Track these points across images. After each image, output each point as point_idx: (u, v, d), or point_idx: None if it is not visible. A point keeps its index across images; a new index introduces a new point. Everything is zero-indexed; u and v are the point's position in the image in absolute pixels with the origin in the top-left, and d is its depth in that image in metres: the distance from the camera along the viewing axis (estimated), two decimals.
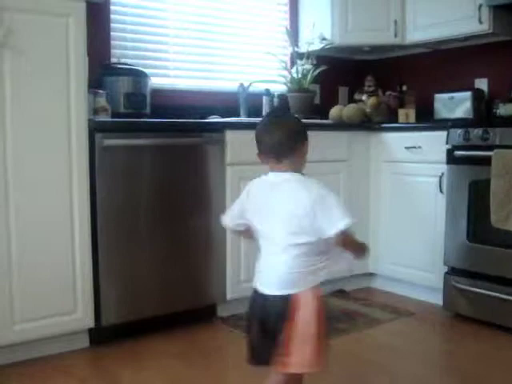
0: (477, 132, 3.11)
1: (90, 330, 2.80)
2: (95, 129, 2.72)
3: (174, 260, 3.01)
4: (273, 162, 1.75)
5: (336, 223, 1.65)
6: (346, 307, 3.44)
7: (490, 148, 3.01)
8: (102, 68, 3.33)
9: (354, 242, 1.77)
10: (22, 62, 2.50)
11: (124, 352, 2.75)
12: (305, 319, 1.66)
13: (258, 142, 1.77)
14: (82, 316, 2.72)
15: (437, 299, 3.37)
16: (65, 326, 2.68)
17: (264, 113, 4.01)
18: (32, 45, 2.52)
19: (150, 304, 2.93)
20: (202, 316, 3.18)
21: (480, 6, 3.52)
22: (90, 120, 2.72)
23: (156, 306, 2.95)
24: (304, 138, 1.78)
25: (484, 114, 3.77)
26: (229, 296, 3.20)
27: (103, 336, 2.83)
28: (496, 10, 3.52)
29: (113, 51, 3.55)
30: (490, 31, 3.57)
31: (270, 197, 1.74)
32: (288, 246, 1.68)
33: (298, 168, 1.77)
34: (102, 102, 3.04)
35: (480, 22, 3.55)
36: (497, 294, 3.02)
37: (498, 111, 3.49)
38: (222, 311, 3.24)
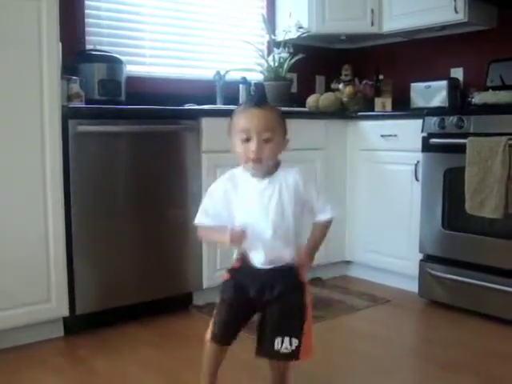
0: (452, 120, 3.13)
1: (65, 319, 2.78)
2: (69, 115, 2.68)
3: (150, 248, 2.99)
4: None
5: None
6: (323, 295, 3.45)
7: (465, 136, 3.03)
8: (76, 54, 3.29)
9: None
10: None
11: (99, 341, 2.73)
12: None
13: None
14: (56, 305, 2.68)
15: (413, 286, 3.39)
16: (38, 315, 2.65)
17: (241, 101, 3.99)
18: (2, 29, 2.47)
19: (125, 292, 2.91)
20: (178, 304, 3.17)
21: None
22: (63, 106, 2.68)
23: (131, 294, 2.93)
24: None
25: (459, 102, 3.80)
26: (205, 284, 3.19)
27: (78, 325, 2.80)
28: None
29: (88, 38, 3.51)
30: (465, 20, 3.59)
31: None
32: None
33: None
34: (76, 88, 3.00)
35: (456, 11, 3.57)
36: (472, 281, 3.05)
37: (473, 100, 3.51)
38: (198, 299, 3.23)
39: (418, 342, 2.94)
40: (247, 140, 1.67)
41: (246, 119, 1.69)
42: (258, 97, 1.75)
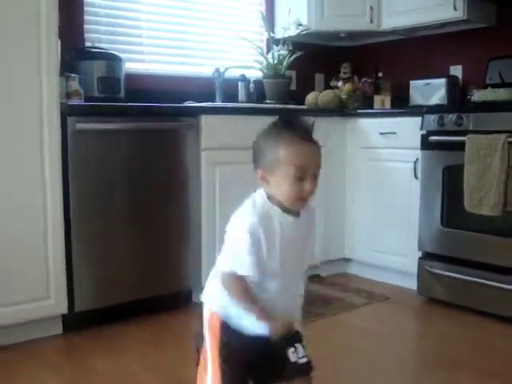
0: (451, 117, 3.13)
1: (64, 316, 2.78)
2: (67, 112, 2.68)
3: (149, 246, 2.99)
4: None
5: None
6: (322, 292, 3.45)
7: (464, 133, 3.03)
8: (75, 52, 3.28)
9: None
10: None
11: (98, 338, 2.73)
12: None
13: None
14: (55, 302, 2.69)
15: (411, 284, 3.40)
16: (37, 313, 2.65)
17: (240, 98, 3.99)
18: (1, 26, 2.47)
19: (124, 290, 2.92)
20: (178, 302, 3.17)
21: None
22: (62, 104, 2.68)
23: (130, 291, 2.94)
24: (261, 161, 1.48)
25: (458, 100, 3.80)
26: (204, 282, 3.17)
27: (77, 322, 2.80)
28: None
29: (87, 35, 3.50)
30: (465, 18, 3.58)
31: None
32: None
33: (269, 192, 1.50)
34: (75, 85, 3.00)
35: (455, 8, 3.57)
36: (470, 278, 3.06)
37: (472, 97, 3.51)
38: (198, 297, 3.22)
39: (417, 339, 2.94)
40: (301, 178, 1.42)
41: (304, 155, 1.42)
42: (310, 127, 1.43)
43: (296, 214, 1.49)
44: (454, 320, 3.02)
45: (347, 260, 3.90)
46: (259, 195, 1.49)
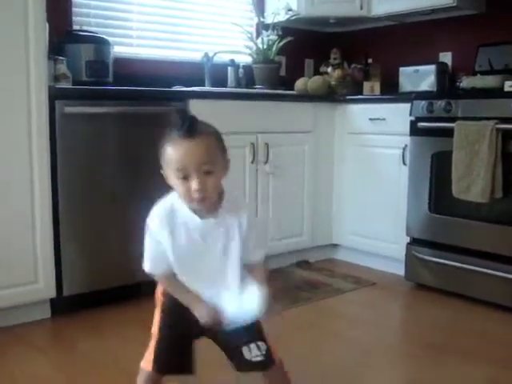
0: (440, 104, 3.13)
1: (52, 301, 2.77)
2: (56, 96, 2.66)
3: (138, 231, 2.97)
4: None
5: None
6: (309, 277, 3.47)
7: (453, 120, 3.04)
8: (63, 35, 3.25)
9: None
10: None
11: (86, 322, 2.73)
12: None
13: None
14: (44, 286, 2.68)
15: (399, 270, 3.42)
16: (25, 297, 2.64)
17: (229, 83, 3.98)
18: None
19: (114, 274, 2.91)
20: None
21: None
22: (50, 87, 2.66)
23: (120, 276, 2.93)
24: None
25: (448, 86, 3.80)
26: None
27: (65, 306, 2.80)
28: None
29: (75, 18, 3.47)
30: (454, 4, 3.58)
31: None
32: None
33: None
34: (63, 68, 2.98)
35: None
36: (457, 264, 3.08)
37: (461, 84, 3.52)
38: None
39: (403, 324, 2.96)
40: (185, 178, 1.41)
41: (179, 155, 1.41)
42: (189, 123, 1.36)
43: (207, 215, 1.48)
44: (441, 305, 3.04)
45: (335, 246, 3.91)
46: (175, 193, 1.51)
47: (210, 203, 1.46)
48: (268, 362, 1.57)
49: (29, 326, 2.66)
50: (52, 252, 2.69)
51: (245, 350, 1.56)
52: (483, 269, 2.97)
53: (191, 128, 1.41)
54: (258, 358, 1.56)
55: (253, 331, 1.57)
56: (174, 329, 1.63)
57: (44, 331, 2.65)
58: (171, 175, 1.46)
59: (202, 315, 1.50)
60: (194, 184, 1.40)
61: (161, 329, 1.66)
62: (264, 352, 1.56)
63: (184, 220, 1.49)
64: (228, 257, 1.52)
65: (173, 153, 1.43)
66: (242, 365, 1.59)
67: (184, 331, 1.60)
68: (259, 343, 1.56)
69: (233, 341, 1.58)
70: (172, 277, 1.57)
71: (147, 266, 1.63)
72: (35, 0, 2.54)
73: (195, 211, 1.49)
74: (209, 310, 1.49)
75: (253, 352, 1.56)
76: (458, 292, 3.10)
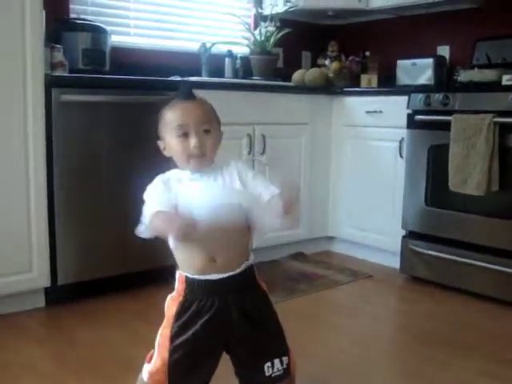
0: (437, 97, 3.13)
1: (46, 289, 2.76)
2: (52, 84, 2.64)
3: (134, 220, 2.97)
4: None
5: None
6: (305, 269, 3.47)
7: (450, 113, 3.04)
8: (60, 23, 3.23)
9: None
10: None
11: (81, 311, 2.72)
12: None
13: None
14: (38, 275, 2.67)
15: (395, 262, 3.42)
16: (19, 285, 2.63)
17: (226, 74, 3.97)
18: None
19: (108, 263, 2.90)
20: (163, 276, 3.15)
21: None
22: (46, 75, 2.64)
23: (116, 265, 2.92)
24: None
25: (445, 80, 3.80)
26: None
27: (60, 295, 2.79)
28: None
29: (72, 6, 3.45)
30: None
31: None
32: None
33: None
34: (60, 56, 2.96)
35: None
36: (453, 257, 3.08)
37: (458, 78, 3.52)
38: None
39: (399, 317, 2.96)
40: (185, 135, 1.44)
41: (181, 113, 1.46)
42: (189, 89, 1.46)
43: (205, 173, 1.49)
44: (436, 298, 3.05)
45: (331, 238, 3.91)
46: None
47: (207, 162, 1.48)
48: (285, 376, 1.52)
49: (23, 314, 2.65)
50: (47, 241, 2.68)
51: (267, 366, 1.50)
52: (479, 262, 2.97)
53: (190, 91, 1.50)
54: (278, 373, 1.51)
55: (279, 343, 1.53)
56: (193, 334, 1.45)
57: (38, 320, 2.64)
58: (170, 137, 1.48)
59: (174, 228, 1.34)
60: (194, 141, 1.44)
61: (174, 335, 1.48)
62: (285, 366, 1.52)
63: (184, 180, 1.50)
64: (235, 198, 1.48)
65: (173, 113, 1.48)
66: (257, 381, 1.51)
67: (204, 340, 1.46)
68: (283, 358, 1.52)
69: (256, 355, 1.50)
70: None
71: (151, 208, 1.49)
72: None
73: (197, 172, 1.49)
74: (182, 221, 1.36)
75: (275, 367, 1.50)
76: (454, 285, 3.10)
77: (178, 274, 1.55)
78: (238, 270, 1.47)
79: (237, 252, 1.48)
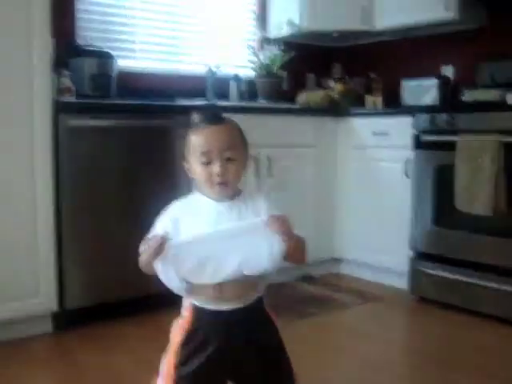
0: (442, 117, 3.14)
1: (53, 314, 2.76)
2: (59, 109, 2.67)
3: (141, 243, 2.97)
4: None
5: None
6: (314, 292, 3.45)
7: (456, 133, 3.04)
8: (67, 49, 3.27)
9: None
10: None
11: (89, 336, 2.71)
12: None
13: None
14: (46, 299, 2.67)
15: (403, 284, 3.40)
16: (27, 310, 2.63)
17: (232, 97, 3.99)
18: None
19: (116, 287, 2.90)
20: (169, 301, 3.15)
21: None
22: (54, 100, 2.67)
23: (123, 289, 2.92)
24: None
25: (450, 100, 3.81)
26: None
27: (67, 320, 2.79)
28: None
29: (79, 32, 3.49)
30: (457, 18, 3.60)
31: None
32: None
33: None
34: (67, 82, 2.99)
35: (446, 9, 3.58)
36: (462, 278, 3.06)
37: (463, 97, 3.53)
38: None
39: (408, 339, 2.94)
40: (208, 163, 1.41)
41: (204, 139, 1.41)
42: (214, 111, 1.39)
43: (226, 200, 1.45)
44: (446, 319, 3.02)
45: (339, 260, 3.90)
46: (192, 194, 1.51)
47: (230, 190, 1.44)
48: None
49: (30, 339, 2.65)
50: (54, 265, 2.69)
51: None
52: (487, 282, 2.95)
53: (215, 115, 1.46)
54: None
55: (286, 375, 1.49)
56: (198, 367, 1.42)
57: (45, 345, 2.63)
58: (194, 162, 1.44)
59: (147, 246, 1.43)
60: (216, 168, 1.40)
61: (178, 364, 1.45)
62: None
63: (201, 204, 1.47)
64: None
65: (197, 138, 1.43)
66: None
67: (209, 373, 1.42)
68: None
69: None
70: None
71: (155, 230, 1.50)
72: (40, 14, 2.57)
73: (216, 199, 1.45)
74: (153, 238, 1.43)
75: None
76: (463, 306, 3.07)
77: (185, 301, 1.52)
78: (247, 303, 1.44)
79: (246, 285, 1.43)
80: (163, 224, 1.49)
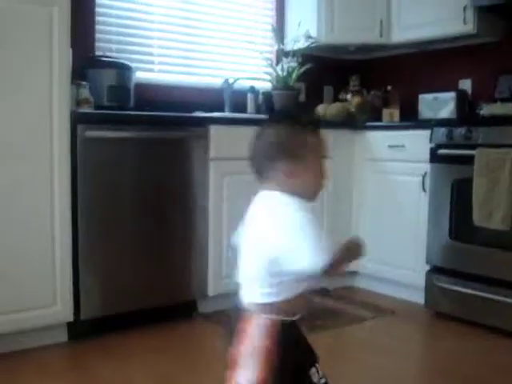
0: (460, 131, 3.12)
1: (69, 324, 2.77)
2: (78, 120, 2.69)
3: (156, 254, 2.98)
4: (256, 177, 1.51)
5: None
6: (328, 305, 3.44)
7: (473, 147, 3.02)
8: (86, 60, 3.29)
9: None
10: (5, 52, 2.47)
11: (104, 347, 2.72)
12: None
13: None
14: (61, 309, 2.68)
15: (419, 298, 3.37)
16: (42, 320, 2.64)
17: (249, 109, 4.00)
18: (15, 34, 2.49)
19: (130, 298, 2.91)
20: (183, 312, 3.16)
21: (465, 7, 3.54)
22: (72, 111, 2.69)
23: (136, 301, 2.93)
24: (286, 155, 1.42)
25: (467, 114, 3.79)
26: (210, 292, 3.17)
27: (82, 330, 2.79)
28: (480, 11, 3.54)
29: (97, 44, 3.53)
30: (474, 32, 3.59)
31: None
32: None
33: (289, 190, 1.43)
34: (85, 93, 3.01)
35: (464, 22, 3.57)
36: (478, 293, 3.03)
37: (481, 111, 3.51)
38: (204, 307, 3.22)
39: (423, 353, 2.92)
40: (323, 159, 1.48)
41: (323, 141, 1.49)
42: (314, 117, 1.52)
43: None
44: (462, 335, 2.99)
45: (354, 273, 3.88)
46: (276, 196, 1.43)
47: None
48: None
49: (45, 349, 2.66)
50: (70, 276, 2.70)
51: (312, 372, 1.47)
52: (505, 298, 2.92)
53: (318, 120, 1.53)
54: (323, 380, 1.49)
55: (314, 354, 1.51)
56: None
57: (61, 355, 2.64)
58: (313, 160, 1.44)
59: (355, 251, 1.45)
60: (327, 170, 1.47)
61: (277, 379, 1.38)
62: (324, 375, 1.50)
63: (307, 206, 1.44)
64: None
65: (318, 140, 1.48)
66: None
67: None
68: (317, 365, 1.49)
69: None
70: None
71: (321, 259, 1.32)
72: (60, 26, 2.60)
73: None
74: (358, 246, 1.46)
75: (320, 373, 1.48)
76: (480, 322, 3.04)
77: (264, 318, 1.40)
78: None
79: None
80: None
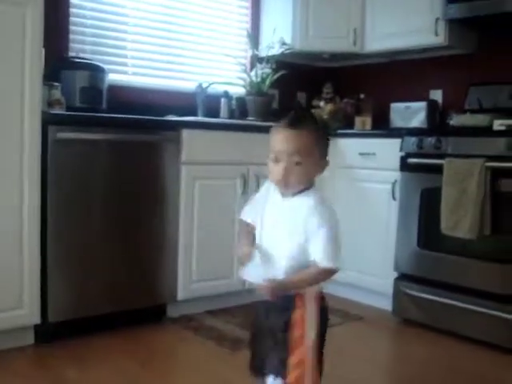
0: (430, 141, 3.17)
1: (36, 327, 2.74)
2: (49, 121, 2.67)
3: (125, 258, 2.97)
4: None
5: None
6: None
7: (442, 157, 3.07)
8: (58, 61, 3.27)
9: None
10: None
11: (70, 350, 2.69)
12: None
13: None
14: (28, 312, 2.65)
15: (387, 305, 3.41)
16: (8, 322, 2.61)
17: (222, 114, 4.01)
18: None
19: (99, 302, 2.89)
20: (153, 315, 3.15)
21: (437, 19, 3.60)
22: (43, 112, 2.67)
23: (105, 304, 2.91)
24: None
25: (438, 124, 3.85)
26: (180, 296, 3.17)
27: (49, 333, 2.76)
28: (452, 23, 3.60)
29: (71, 45, 3.50)
30: (446, 44, 3.65)
31: None
32: None
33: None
34: (57, 94, 2.99)
35: (436, 34, 3.63)
36: (445, 301, 3.08)
37: (451, 122, 3.57)
38: (173, 311, 3.21)
39: (389, 360, 2.95)
40: (277, 161, 1.56)
41: (279, 141, 1.57)
42: (294, 115, 1.54)
43: (286, 196, 1.63)
44: (428, 342, 3.03)
45: None
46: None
47: (291, 190, 1.61)
48: None
49: (11, 352, 2.62)
50: (38, 278, 2.67)
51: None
52: (471, 306, 2.97)
53: (294, 119, 1.57)
54: None
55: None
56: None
57: (27, 358, 2.61)
58: (269, 157, 1.60)
59: (239, 253, 1.72)
60: (280, 169, 1.56)
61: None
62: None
63: (272, 195, 1.67)
64: (288, 236, 1.61)
65: (273, 138, 1.61)
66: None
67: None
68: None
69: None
70: (244, 227, 1.75)
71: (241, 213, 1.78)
72: (33, 26, 2.58)
73: (282, 193, 1.64)
74: (243, 251, 1.68)
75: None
76: (446, 329, 3.09)
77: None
78: None
79: None
80: (257, 196, 1.80)
